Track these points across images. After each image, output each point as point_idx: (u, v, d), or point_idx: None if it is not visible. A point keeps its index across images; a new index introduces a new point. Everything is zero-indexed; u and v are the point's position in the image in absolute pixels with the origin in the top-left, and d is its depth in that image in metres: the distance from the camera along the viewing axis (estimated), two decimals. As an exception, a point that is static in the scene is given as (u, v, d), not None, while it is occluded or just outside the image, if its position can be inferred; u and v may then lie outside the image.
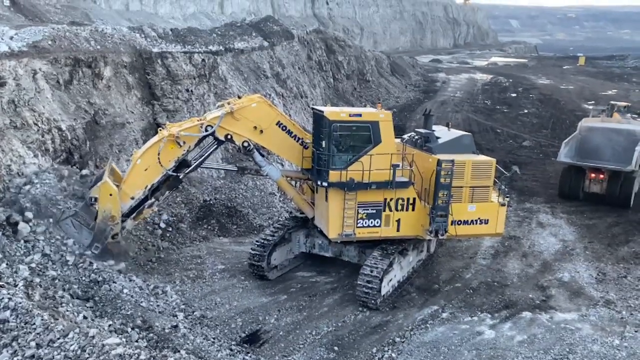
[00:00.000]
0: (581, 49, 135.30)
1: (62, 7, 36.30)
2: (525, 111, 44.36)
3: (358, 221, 13.68)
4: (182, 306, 12.89)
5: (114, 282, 12.15)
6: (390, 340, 12.19)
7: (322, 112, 13.77)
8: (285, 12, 76.21)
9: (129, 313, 11.24)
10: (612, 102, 32.16)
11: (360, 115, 13.75)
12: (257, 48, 29.69)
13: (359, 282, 13.39)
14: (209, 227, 18.22)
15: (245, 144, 13.93)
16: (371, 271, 13.33)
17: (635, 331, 12.81)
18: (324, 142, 13.58)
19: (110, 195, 12.87)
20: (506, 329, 12.78)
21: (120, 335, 9.89)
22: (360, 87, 45.86)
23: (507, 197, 15.66)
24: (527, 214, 21.43)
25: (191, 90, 21.02)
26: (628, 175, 21.79)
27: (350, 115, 13.58)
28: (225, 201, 19.50)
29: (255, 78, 27.14)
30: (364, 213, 13.67)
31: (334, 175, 13.25)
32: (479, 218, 14.31)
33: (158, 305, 12.37)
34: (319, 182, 13.56)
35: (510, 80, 61.58)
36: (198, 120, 13.85)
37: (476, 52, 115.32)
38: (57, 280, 11.32)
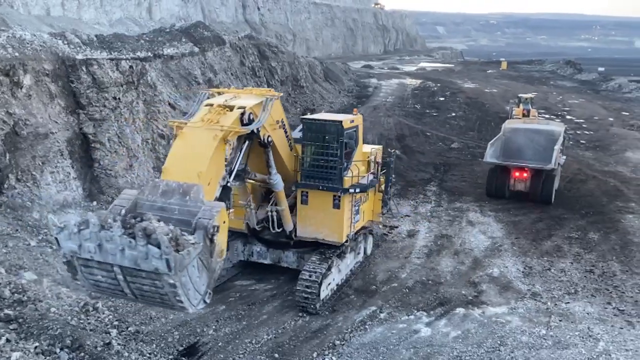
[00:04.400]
0: (503, 54, 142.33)
1: (-25, 11, 34.18)
2: (453, 114, 46.07)
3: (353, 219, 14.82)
4: (115, 322, 12.38)
5: (40, 301, 11.51)
6: (331, 344, 12.26)
7: (331, 120, 14.13)
8: (216, 18, 75.34)
9: (57, 333, 10.68)
10: (519, 94, 41.07)
11: (353, 121, 14.56)
12: (188, 54, 29.17)
13: (298, 288, 13.40)
14: (142, 238, 17.63)
15: (270, 140, 12.62)
16: (310, 276, 13.38)
17: (560, 320, 13.56)
18: (331, 151, 13.96)
19: (224, 223, 9.95)
20: (441, 326, 13.17)
21: (48, 357, 9.38)
22: (295, 93, 46.03)
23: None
24: (457, 213, 22.23)
25: (119, 98, 20.33)
26: (549, 173, 23.06)
27: (350, 122, 14.33)
28: (159, 211, 18.95)
29: (187, 84, 26.64)
30: (355, 210, 14.90)
31: (347, 182, 14.03)
32: None
33: (89, 323, 11.83)
34: (338, 191, 14.02)
35: (438, 85, 63.77)
36: (226, 110, 11.35)
37: (405, 58, 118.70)
38: (-25, 303, 10.60)
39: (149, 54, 25.72)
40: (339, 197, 14.08)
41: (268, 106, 11.89)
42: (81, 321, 11.66)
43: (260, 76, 40.14)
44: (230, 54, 35.59)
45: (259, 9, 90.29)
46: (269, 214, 14.46)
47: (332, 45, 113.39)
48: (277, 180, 13.51)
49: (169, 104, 23.36)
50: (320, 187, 14.13)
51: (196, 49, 30.64)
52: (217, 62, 32.50)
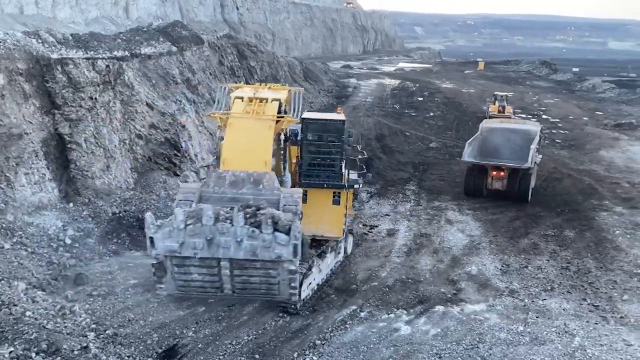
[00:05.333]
0: (480, 55, 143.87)
1: (-55, 9, 33.33)
2: (432, 114, 46.46)
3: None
4: (93, 325, 12.19)
5: (14, 304, 11.28)
6: (311, 344, 12.26)
7: (333, 119, 14.33)
8: (194, 17, 74.78)
9: (32, 337, 10.48)
10: (495, 92, 43.96)
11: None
12: (166, 53, 28.84)
13: (278, 288, 13.36)
14: (120, 241, 17.43)
15: (288, 133, 12.94)
16: (290, 276, 13.35)
17: (537, 317, 13.78)
18: (333, 149, 14.20)
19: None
20: (421, 324, 13.28)
21: (23, 362, 9.20)
22: (274, 93, 45.84)
23: None
24: (436, 211, 22.43)
25: (95, 98, 20.03)
26: (525, 172, 23.40)
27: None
28: (136, 213, 18.74)
29: (165, 84, 26.35)
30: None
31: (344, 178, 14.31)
32: None
33: (66, 327, 11.63)
34: (343, 187, 14.35)
35: (417, 85, 64.22)
36: (263, 102, 11.42)
37: (384, 58, 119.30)
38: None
39: (126, 53, 25.37)
40: (339, 193, 14.51)
41: (298, 98, 12.13)
42: (57, 325, 11.47)
43: (240, 76, 39.91)
44: (209, 53, 35.30)
45: (237, 8, 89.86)
46: None
47: (311, 45, 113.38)
48: (289, 178, 13.58)
49: (147, 104, 23.07)
50: (325, 185, 14.46)
51: (174, 49, 30.32)
52: (196, 61, 32.20)
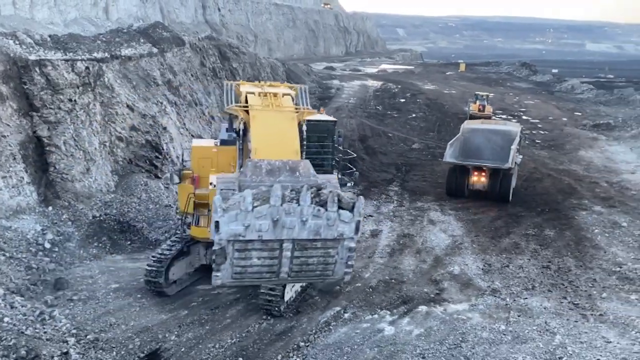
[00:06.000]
0: (461, 56, 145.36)
1: None
2: (414, 115, 46.73)
3: None
4: (73, 330, 12.03)
5: (-8, 311, 11.08)
6: (295, 346, 12.24)
7: (325, 120, 14.53)
8: (175, 18, 74.28)
9: (11, 344, 10.29)
10: (476, 92, 46.17)
11: None
12: (146, 55, 28.58)
13: (262, 291, 13.30)
14: (100, 244, 17.23)
15: None
16: (273, 278, 13.30)
17: (518, 316, 13.93)
18: (325, 149, 14.45)
19: None
20: (405, 324, 13.33)
21: (1, 369, 9.04)
22: (256, 95, 45.72)
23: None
24: (418, 212, 22.55)
25: (75, 100, 19.77)
26: (506, 172, 23.65)
27: None
28: (117, 216, 18.54)
29: (145, 86, 26.10)
30: None
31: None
32: None
33: (45, 332, 11.45)
34: None
35: (399, 87, 64.56)
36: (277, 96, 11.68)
37: (367, 60, 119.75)
38: None
39: (106, 54, 25.08)
40: None
41: (305, 93, 12.27)
42: (37, 330, 11.29)
43: (222, 77, 39.68)
44: (191, 54, 35.06)
45: (219, 9, 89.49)
46: None
47: (293, 46, 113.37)
48: None
49: (127, 105, 22.83)
50: None
51: (155, 50, 30.06)
52: (177, 63, 31.95)
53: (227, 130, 15.63)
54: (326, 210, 9.01)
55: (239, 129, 12.20)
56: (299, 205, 8.90)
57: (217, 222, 8.67)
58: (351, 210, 9.14)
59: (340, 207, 9.14)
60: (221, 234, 8.74)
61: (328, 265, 9.77)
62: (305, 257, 9.45)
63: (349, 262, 9.79)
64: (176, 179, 14.81)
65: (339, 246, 9.49)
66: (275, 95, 11.61)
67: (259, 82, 13.91)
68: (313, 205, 8.94)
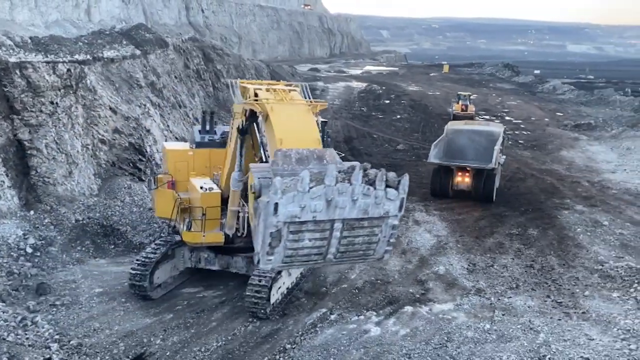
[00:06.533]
0: (445, 58, 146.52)
1: None
2: (398, 116, 46.96)
3: None
4: (56, 336, 11.88)
5: (-28, 317, 10.90)
6: (281, 348, 12.21)
7: (320, 121, 14.33)
8: (158, 20, 73.82)
9: (-8, 350, 10.14)
10: (459, 92, 47.97)
11: None
12: (129, 57, 28.35)
13: (247, 293, 13.25)
14: (84, 248, 17.03)
15: None
16: (260, 280, 13.26)
17: (503, 315, 14.04)
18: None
19: None
20: (391, 325, 13.37)
21: (-18, 377, 8.89)
22: (241, 96, 45.60)
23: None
24: (404, 212, 22.58)
25: (56, 103, 19.53)
26: (490, 172, 23.86)
27: None
28: (101, 219, 18.35)
29: (128, 88, 25.89)
30: None
31: None
32: None
33: (27, 338, 11.30)
34: None
35: (384, 88, 64.82)
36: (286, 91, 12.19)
37: (351, 61, 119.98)
38: None
39: (88, 56, 24.83)
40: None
41: (307, 91, 12.69)
42: (18, 336, 11.14)
43: (206, 79, 39.57)
44: (174, 56, 34.85)
45: (202, 11, 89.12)
46: (242, 215, 13.86)
47: (278, 48, 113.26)
48: None
49: (110, 108, 22.61)
50: None
51: (138, 52, 29.82)
52: (160, 64, 31.74)
53: (200, 132, 15.51)
54: (375, 188, 9.32)
55: (242, 127, 12.31)
56: (350, 184, 9.15)
57: (275, 204, 8.75)
58: (396, 188, 9.53)
59: (387, 186, 9.53)
60: (279, 216, 8.84)
61: (371, 245, 10.05)
62: (353, 237, 9.71)
63: (391, 240, 10.10)
64: (154, 184, 14.67)
65: (383, 224, 9.82)
66: (283, 90, 11.93)
67: (258, 80, 14.10)
68: (363, 185, 9.21)
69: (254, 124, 13.02)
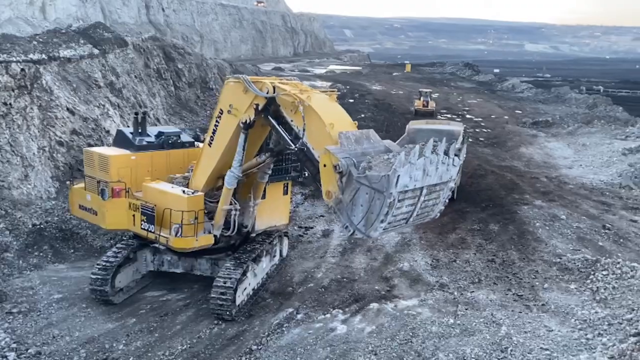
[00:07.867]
0: (407, 57, 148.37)
1: None
2: (362, 115, 47.20)
3: None
4: (13, 345, 11.49)
5: None
6: (248, 349, 12.12)
7: None
8: (117, 19, 72.23)
9: (-56, 362, 9.73)
10: (420, 89, 51.26)
11: None
12: (87, 56, 27.63)
13: (212, 295, 13.11)
14: (41, 253, 16.51)
15: None
16: (224, 282, 13.13)
17: (466, 309, 14.29)
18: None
19: None
20: (357, 322, 13.43)
21: None
22: (204, 95, 45.01)
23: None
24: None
25: (10, 104, 18.89)
26: (452, 169, 24.25)
27: None
28: (59, 223, 17.82)
29: (86, 88, 25.24)
30: None
31: None
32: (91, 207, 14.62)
33: (-18, 348, 10.89)
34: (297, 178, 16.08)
35: (348, 87, 65.14)
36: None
37: (315, 61, 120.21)
38: None
39: (43, 56, 24.08)
40: (288, 184, 15.75)
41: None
42: (-28, 347, 10.70)
43: (167, 78, 38.91)
44: (134, 55, 34.13)
45: (163, 10, 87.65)
46: (234, 212, 13.75)
47: (241, 47, 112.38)
48: None
49: (68, 109, 21.99)
50: (287, 178, 15.52)
51: (96, 51, 29.09)
52: (120, 64, 31.04)
53: (132, 134, 14.91)
54: (448, 157, 10.83)
55: (249, 121, 12.40)
56: (437, 155, 10.50)
57: (398, 176, 9.64)
58: (458, 156, 11.24)
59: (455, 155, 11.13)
60: (398, 187, 9.77)
61: (435, 206, 11.38)
62: (428, 200, 10.89)
63: (446, 201, 11.61)
64: (108, 195, 13.96)
65: (446, 187, 11.24)
66: (296, 84, 12.67)
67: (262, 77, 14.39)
68: (443, 155, 10.68)
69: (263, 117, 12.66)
